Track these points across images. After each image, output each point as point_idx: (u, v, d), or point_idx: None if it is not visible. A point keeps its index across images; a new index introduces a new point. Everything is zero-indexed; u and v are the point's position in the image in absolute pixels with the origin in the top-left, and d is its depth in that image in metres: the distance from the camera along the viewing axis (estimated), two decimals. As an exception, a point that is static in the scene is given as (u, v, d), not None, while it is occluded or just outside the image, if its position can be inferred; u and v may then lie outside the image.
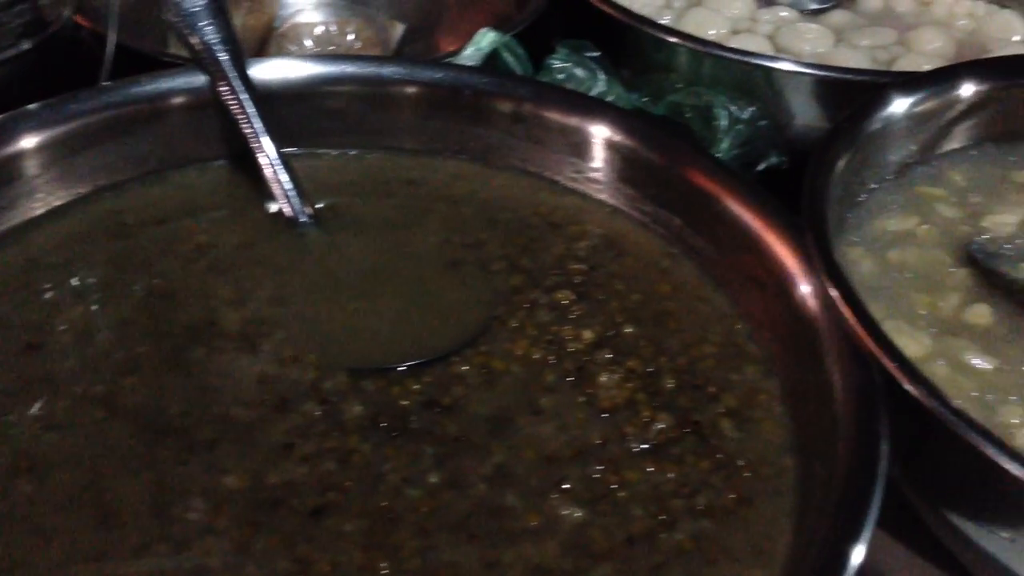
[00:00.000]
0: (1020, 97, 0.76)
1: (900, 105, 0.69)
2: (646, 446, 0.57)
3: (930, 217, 0.72)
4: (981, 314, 0.64)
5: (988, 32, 1.01)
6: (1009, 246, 0.70)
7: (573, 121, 0.73)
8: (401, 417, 0.57)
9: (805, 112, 0.83)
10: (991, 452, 0.48)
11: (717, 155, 0.81)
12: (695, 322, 0.65)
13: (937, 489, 0.56)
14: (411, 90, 0.75)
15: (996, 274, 0.66)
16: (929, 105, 0.71)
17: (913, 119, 0.71)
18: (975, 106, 0.73)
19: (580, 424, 0.58)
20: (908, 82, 0.71)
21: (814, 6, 1.05)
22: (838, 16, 1.04)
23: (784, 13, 1.03)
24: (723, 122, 0.81)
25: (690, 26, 0.99)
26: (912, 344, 0.62)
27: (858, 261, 0.68)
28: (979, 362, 0.61)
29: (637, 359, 0.62)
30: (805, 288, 0.60)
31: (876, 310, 0.64)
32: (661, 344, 0.63)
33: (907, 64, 0.94)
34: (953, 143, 0.76)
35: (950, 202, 0.73)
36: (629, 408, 0.59)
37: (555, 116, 0.73)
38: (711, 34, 0.99)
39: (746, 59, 0.82)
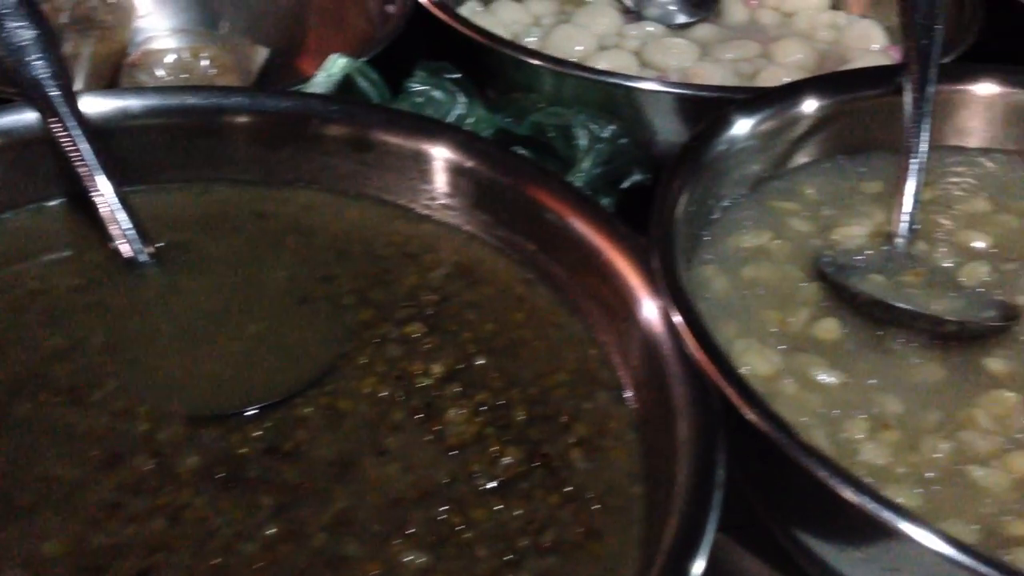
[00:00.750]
0: (867, 109, 0.77)
1: (743, 126, 0.69)
2: (494, 483, 0.56)
3: (783, 232, 0.72)
4: (829, 329, 0.65)
5: (848, 42, 1.03)
6: (860, 257, 0.71)
7: (422, 147, 0.71)
8: (239, 466, 0.55)
9: (666, 129, 0.83)
10: (823, 476, 0.48)
11: (579, 175, 0.81)
12: (549, 349, 0.64)
13: (784, 509, 0.56)
14: (256, 120, 0.73)
15: (844, 287, 0.66)
16: (774, 123, 0.72)
17: (759, 137, 0.71)
18: (821, 120, 0.74)
19: (427, 463, 0.56)
20: (750, 102, 0.71)
21: (681, 20, 1.06)
22: (704, 30, 1.05)
23: (651, 28, 1.04)
24: (582, 141, 0.80)
25: (557, 43, 0.99)
26: (762, 362, 0.62)
27: (712, 279, 0.68)
28: (826, 378, 0.61)
29: (487, 392, 0.60)
30: (651, 312, 0.60)
31: (728, 329, 0.65)
32: (513, 375, 0.62)
33: (768, 76, 0.95)
34: (805, 156, 0.77)
35: (802, 216, 0.74)
36: (477, 444, 0.57)
37: (403, 142, 0.71)
38: (578, 51, 0.99)
39: (603, 79, 0.82)
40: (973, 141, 0.80)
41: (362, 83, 0.81)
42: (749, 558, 0.64)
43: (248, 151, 0.73)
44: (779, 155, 0.74)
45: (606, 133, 0.81)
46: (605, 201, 0.83)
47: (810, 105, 0.72)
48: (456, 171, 0.71)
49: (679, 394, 0.55)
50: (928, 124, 0.73)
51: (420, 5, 0.90)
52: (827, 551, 0.53)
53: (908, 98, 0.75)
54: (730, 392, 0.53)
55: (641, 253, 0.62)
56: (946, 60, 0.84)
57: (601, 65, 0.96)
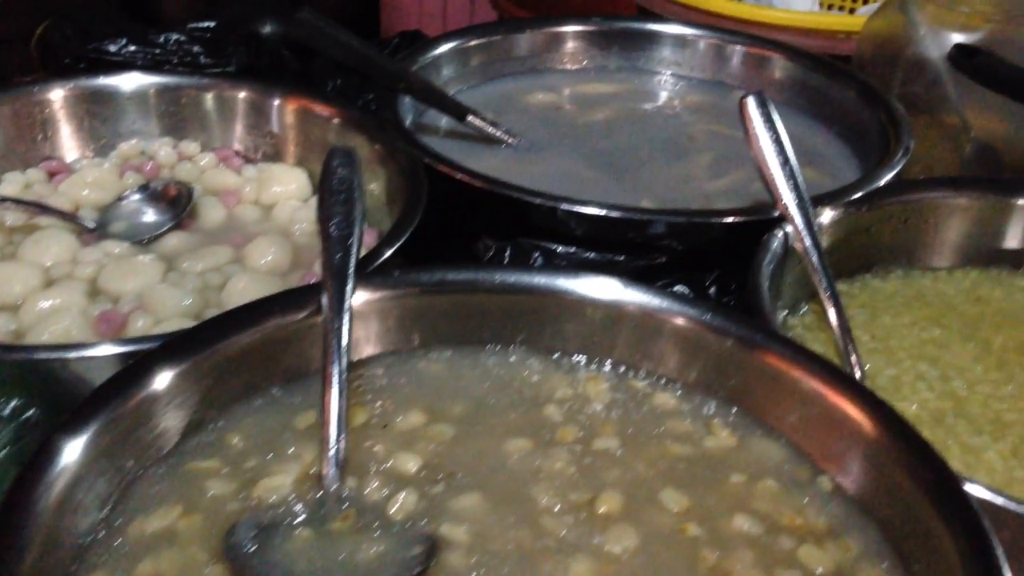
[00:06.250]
0: (291, 335, 0.72)
1: (73, 450, 0.59)
2: None
3: (196, 502, 0.64)
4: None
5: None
6: (282, 510, 0.64)
7: None
8: None
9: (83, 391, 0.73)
10: None
11: (-20, 468, 0.69)
12: None
13: None
14: None
15: (243, 572, 0.59)
16: (131, 412, 0.63)
17: (139, 419, 0.63)
18: (204, 378, 0.67)
19: None
20: (80, 413, 0.61)
21: (149, 233, 0.98)
22: (175, 240, 0.97)
23: (113, 247, 0.94)
24: (-29, 429, 0.69)
25: (-9, 287, 0.88)
26: None
27: (99, 592, 0.59)
28: None
29: None
30: None
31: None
32: None
33: (236, 287, 0.88)
34: (229, 399, 0.70)
35: (222, 475, 0.66)
36: None
37: None
38: (18, 291, 0.88)
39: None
40: (412, 343, 0.77)
41: None
42: None
43: None
44: (183, 418, 0.67)
45: (7, 411, 0.70)
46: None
47: (164, 378, 0.65)
48: None
49: None
50: (344, 343, 0.69)
51: None
52: None
53: (325, 317, 0.70)
54: None
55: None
56: (378, 264, 0.82)
57: (42, 304, 0.86)
